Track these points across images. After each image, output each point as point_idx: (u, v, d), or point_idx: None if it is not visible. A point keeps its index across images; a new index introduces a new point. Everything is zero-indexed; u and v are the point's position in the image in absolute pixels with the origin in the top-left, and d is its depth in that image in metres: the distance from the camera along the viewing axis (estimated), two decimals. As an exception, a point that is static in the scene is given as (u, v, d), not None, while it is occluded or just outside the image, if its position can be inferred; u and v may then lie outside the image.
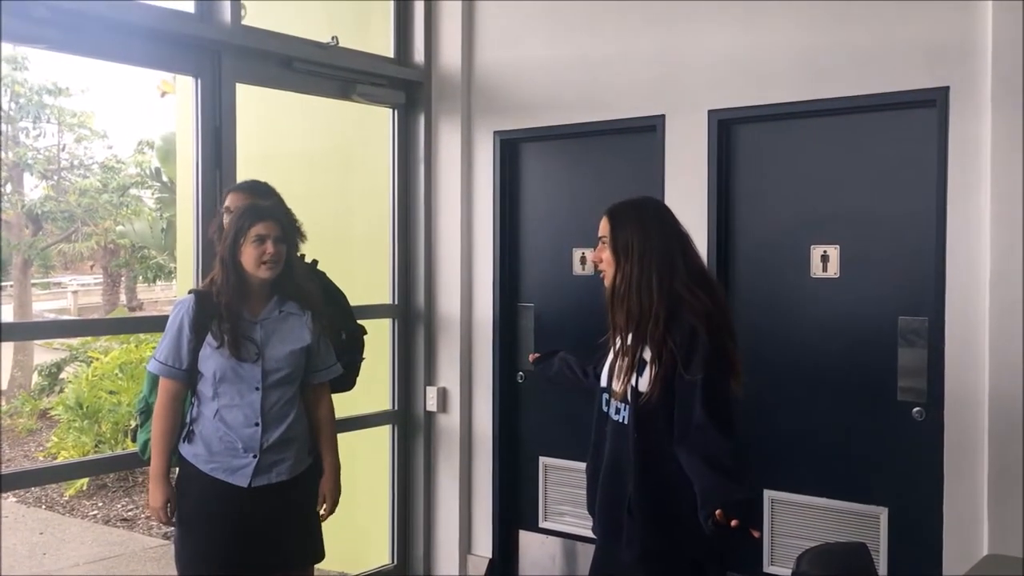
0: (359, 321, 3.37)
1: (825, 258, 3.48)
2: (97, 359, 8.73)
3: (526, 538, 4.30)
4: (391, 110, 4.41)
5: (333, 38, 4.00)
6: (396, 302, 4.43)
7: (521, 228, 4.31)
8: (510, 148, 4.29)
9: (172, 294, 14.28)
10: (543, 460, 4.22)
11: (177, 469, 2.85)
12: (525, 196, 4.30)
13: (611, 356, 2.53)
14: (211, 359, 2.74)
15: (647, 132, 3.84)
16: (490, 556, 4.32)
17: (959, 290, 3.15)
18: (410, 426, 4.45)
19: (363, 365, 3.35)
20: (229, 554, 2.75)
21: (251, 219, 2.76)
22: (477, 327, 4.35)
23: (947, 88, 3.16)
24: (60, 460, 7.55)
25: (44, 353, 11.37)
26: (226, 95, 3.60)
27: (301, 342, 2.85)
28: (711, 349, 2.32)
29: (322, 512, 2.99)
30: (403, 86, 4.36)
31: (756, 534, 2.23)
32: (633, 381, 2.41)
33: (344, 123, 4.82)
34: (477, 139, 4.34)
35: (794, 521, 3.55)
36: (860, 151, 3.41)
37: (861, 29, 3.33)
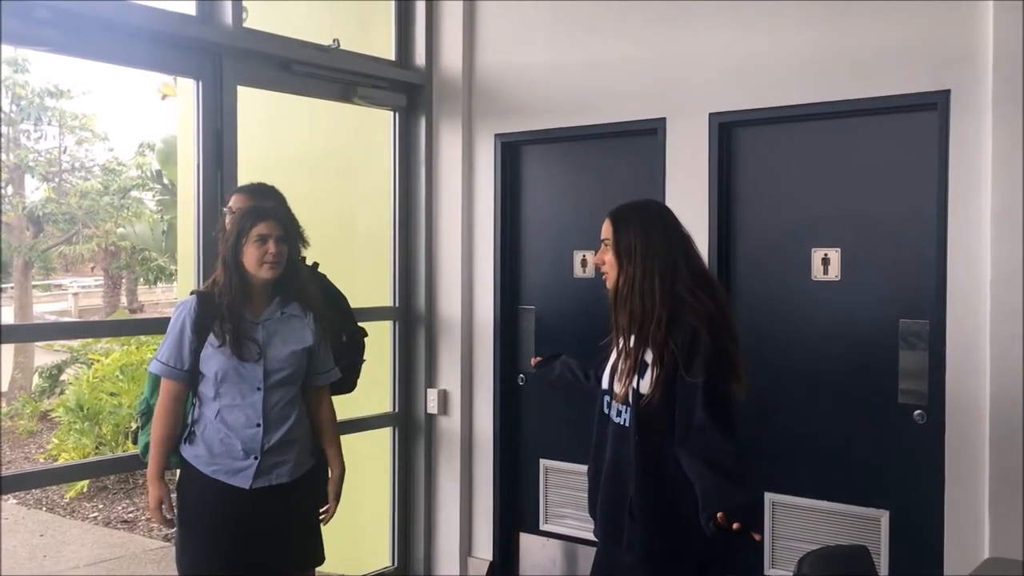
0: (360, 323, 3.37)
1: (826, 261, 3.48)
2: (98, 361, 8.73)
3: (527, 541, 4.29)
4: (392, 112, 4.42)
5: (334, 41, 4.01)
6: (397, 304, 4.43)
7: (522, 231, 4.31)
8: (511, 151, 4.29)
9: (173, 296, 14.27)
10: (544, 462, 4.22)
11: (178, 471, 2.85)
12: (526, 199, 4.30)
13: (613, 358, 2.53)
14: (213, 359, 2.74)
15: (648, 135, 3.84)
16: (491, 559, 4.32)
17: (960, 293, 3.15)
18: (411, 428, 4.45)
19: (364, 367, 3.35)
20: (230, 556, 2.75)
21: (253, 219, 2.76)
22: (478, 329, 4.35)
23: (948, 91, 3.16)
24: (61, 462, 7.57)
25: (45, 355, 11.36)
26: (227, 97, 3.61)
27: (303, 343, 2.85)
28: (712, 351, 2.32)
29: (323, 515, 2.99)
30: (404, 89, 4.36)
31: (757, 537, 2.22)
32: (634, 383, 2.41)
33: (345, 126, 4.82)
34: (478, 142, 4.34)
35: (795, 524, 3.55)
36: (861, 154, 3.42)
37: (862, 32, 3.33)
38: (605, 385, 2.58)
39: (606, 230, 2.53)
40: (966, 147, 3.13)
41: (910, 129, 3.31)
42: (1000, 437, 3.06)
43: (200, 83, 3.56)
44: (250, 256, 2.74)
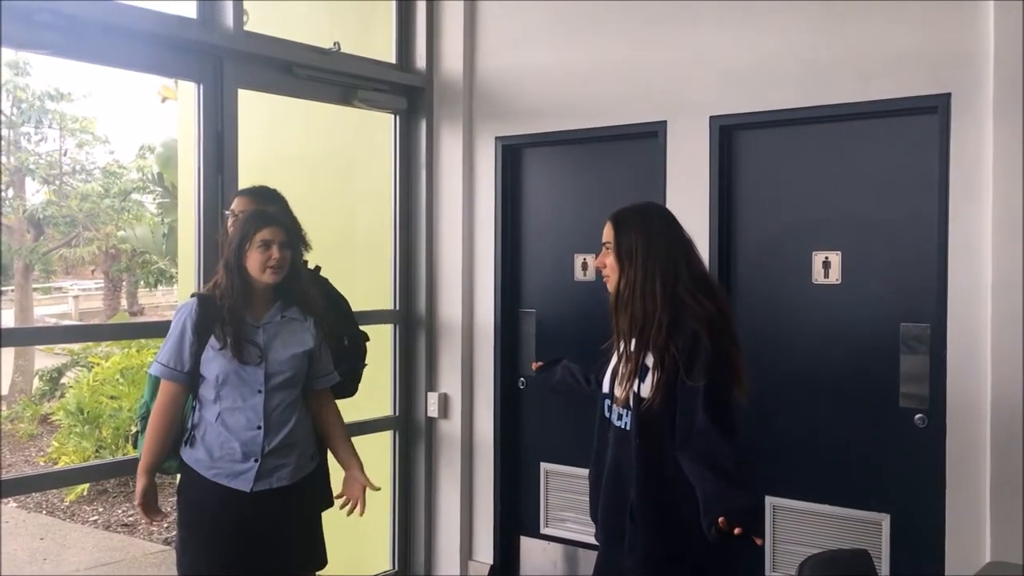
0: (361, 327, 3.37)
1: (827, 264, 3.48)
2: (98, 364, 8.73)
3: (527, 544, 4.29)
4: (393, 115, 4.42)
5: (335, 43, 4.01)
6: (397, 308, 4.43)
7: (523, 234, 4.31)
8: (512, 154, 4.29)
9: (173, 299, 14.28)
10: (544, 466, 4.22)
11: (178, 476, 2.85)
12: (526, 202, 4.30)
13: (614, 361, 2.53)
14: (214, 362, 2.74)
15: (649, 138, 3.84)
16: (491, 562, 4.31)
17: (961, 296, 3.15)
18: (411, 432, 4.45)
19: (364, 371, 3.34)
20: (230, 559, 2.74)
21: (256, 224, 2.75)
22: (478, 333, 4.35)
23: (949, 94, 3.16)
24: (61, 465, 7.57)
25: (45, 358, 11.36)
26: (228, 100, 3.61)
27: (304, 346, 2.85)
28: (713, 354, 2.32)
29: (356, 511, 2.90)
30: (405, 91, 4.36)
31: (759, 541, 2.22)
32: (635, 387, 2.41)
33: (346, 128, 4.82)
34: (479, 144, 4.34)
35: (796, 527, 3.55)
36: (861, 157, 3.42)
37: (863, 35, 3.33)
38: (606, 389, 2.57)
39: (607, 233, 2.53)
40: (967, 150, 3.13)
41: (911, 132, 3.31)
42: (1001, 441, 3.06)
43: (201, 86, 3.56)
44: (254, 261, 2.74)
